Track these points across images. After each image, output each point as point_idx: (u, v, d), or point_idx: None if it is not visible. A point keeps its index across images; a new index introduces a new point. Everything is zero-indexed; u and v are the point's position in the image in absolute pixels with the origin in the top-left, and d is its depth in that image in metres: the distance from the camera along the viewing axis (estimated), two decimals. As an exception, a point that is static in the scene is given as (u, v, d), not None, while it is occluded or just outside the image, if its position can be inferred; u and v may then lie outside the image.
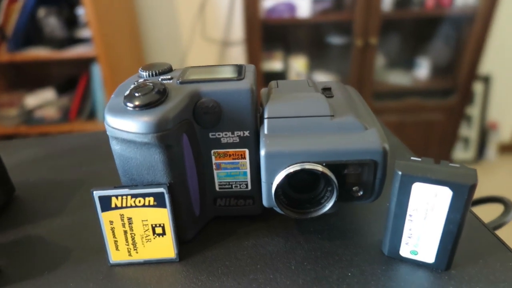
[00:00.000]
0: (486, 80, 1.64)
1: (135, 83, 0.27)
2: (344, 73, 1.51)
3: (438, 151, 1.60)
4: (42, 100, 1.51)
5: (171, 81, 0.27)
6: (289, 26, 1.56)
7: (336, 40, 1.55)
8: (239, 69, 0.28)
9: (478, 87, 1.64)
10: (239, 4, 1.53)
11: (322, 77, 1.54)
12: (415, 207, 0.23)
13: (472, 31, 1.39)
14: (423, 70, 1.52)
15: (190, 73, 0.28)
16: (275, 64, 1.51)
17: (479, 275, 0.24)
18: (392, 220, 0.25)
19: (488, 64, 1.59)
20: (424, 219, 0.23)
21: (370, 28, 1.37)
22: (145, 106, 0.24)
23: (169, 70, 0.29)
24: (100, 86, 1.45)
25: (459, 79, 1.48)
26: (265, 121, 0.26)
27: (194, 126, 0.26)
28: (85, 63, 1.42)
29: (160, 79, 0.27)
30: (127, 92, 0.25)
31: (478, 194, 0.29)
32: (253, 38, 1.42)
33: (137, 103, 0.24)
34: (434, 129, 1.56)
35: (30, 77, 1.61)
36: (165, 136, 0.24)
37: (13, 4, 1.33)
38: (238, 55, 1.63)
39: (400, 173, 0.23)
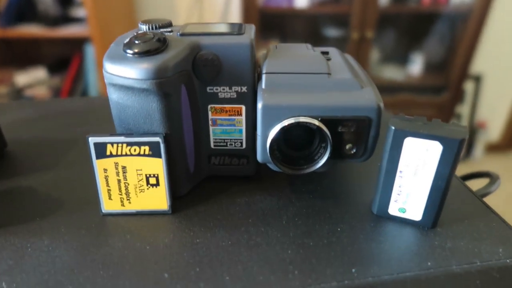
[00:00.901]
0: (477, 79, 1.66)
1: (135, 33, 0.27)
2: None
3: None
4: (33, 78, 1.49)
5: (171, 33, 0.27)
6: (287, 16, 1.56)
7: (332, 32, 1.55)
8: (239, 26, 0.28)
9: (469, 86, 1.66)
10: (237, -9, 1.52)
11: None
12: (406, 163, 0.24)
13: (466, 30, 1.41)
14: (416, 66, 1.54)
15: (190, 27, 0.28)
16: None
17: (464, 233, 0.25)
18: (383, 177, 0.25)
19: (480, 64, 1.61)
20: (414, 175, 0.24)
21: (366, 22, 1.38)
22: (145, 53, 0.24)
23: (169, 24, 0.29)
24: (93, 67, 1.43)
25: (451, 77, 1.50)
26: (263, 76, 0.26)
27: (193, 80, 0.26)
28: (78, 43, 1.41)
29: (160, 32, 0.27)
30: (127, 40, 0.25)
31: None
32: (250, 26, 1.42)
33: (136, 50, 0.24)
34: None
35: (22, 55, 1.59)
36: (163, 83, 0.24)
37: (6, -21, 1.31)
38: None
39: (393, 128, 0.23)
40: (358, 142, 0.26)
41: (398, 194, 0.25)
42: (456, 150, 0.22)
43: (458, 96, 1.54)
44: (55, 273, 0.23)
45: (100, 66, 1.37)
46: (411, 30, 1.57)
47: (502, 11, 1.50)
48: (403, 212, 0.26)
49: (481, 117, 1.78)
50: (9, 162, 0.35)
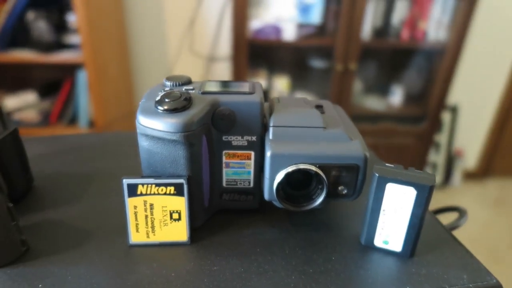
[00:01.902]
0: (454, 110, 1.76)
1: (162, 91, 0.32)
2: (324, 95, 1.59)
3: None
4: (23, 102, 1.51)
5: (193, 91, 0.32)
6: (274, 47, 1.64)
7: (317, 63, 1.64)
8: (251, 85, 0.33)
9: (446, 116, 1.76)
10: (227, 22, 1.60)
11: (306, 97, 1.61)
12: (388, 203, 0.29)
13: (442, 64, 1.51)
14: (397, 97, 1.63)
15: (208, 85, 0.33)
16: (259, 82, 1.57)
17: (435, 261, 0.30)
18: (369, 214, 0.30)
19: (456, 95, 1.72)
20: (394, 213, 0.29)
21: (350, 54, 1.47)
22: (174, 110, 0.29)
23: (189, 81, 0.34)
24: (84, 92, 1.46)
25: (429, 108, 1.59)
26: (271, 128, 0.31)
27: (211, 130, 0.32)
28: (69, 68, 1.44)
29: (183, 89, 0.32)
30: (158, 98, 0.30)
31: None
32: (240, 56, 1.49)
33: (167, 107, 0.29)
34: (405, 153, 1.67)
35: (12, 78, 1.61)
36: (190, 135, 0.29)
37: (1, 5, 1.34)
38: (223, 71, 1.70)
39: (377, 175, 0.29)
40: (349, 185, 0.31)
41: (382, 229, 0.31)
42: (427, 194, 0.28)
43: (436, 125, 1.64)
44: (95, 297, 0.27)
45: (92, 91, 1.41)
46: (391, 63, 1.68)
47: (475, 47, 1.62)
48: (386, 243, 0.31)
49: (459, 145, 1.87)
50: (37, 196, 0.39)
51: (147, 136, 0.30)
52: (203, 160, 0.32)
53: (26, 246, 0.31)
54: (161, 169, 0.31)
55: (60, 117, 1.54)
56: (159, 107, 0.30)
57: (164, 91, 0.32)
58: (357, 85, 1.65)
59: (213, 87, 0.33)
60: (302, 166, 0.30)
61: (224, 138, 0.32)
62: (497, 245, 1.50)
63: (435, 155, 1.83)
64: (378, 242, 0.31)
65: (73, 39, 1.40)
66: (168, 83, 0.33)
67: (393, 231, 0.30)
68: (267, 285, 0.28)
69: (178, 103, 0.30)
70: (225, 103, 0.31)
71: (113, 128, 1.54)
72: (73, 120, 1.54)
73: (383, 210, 0.30)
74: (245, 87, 0.33)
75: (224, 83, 0.34)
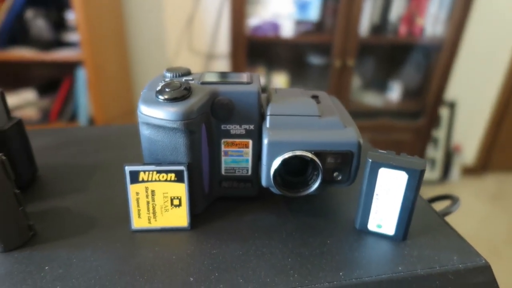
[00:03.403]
0: (452, 105, 1.78)
1: (163, 81, 0.33)
2: (323, 91, 1.60)
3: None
4: (22, 100, 1.52)
5: (193, 81, 0.33)
6: (273, 44, 1.65)
7: (315, 60, 1.65)
8: (248, 75, 0.35)
9: (444, 112, 1.78)
10: (226, 20, 1.61)
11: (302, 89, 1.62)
12: (381, 188, 0.30)
13: (440, 59, 1.52)
14: (395, 93, 1.64)
15: (207, 76, 0.34)
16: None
17: (427, 244, 0.32)
18: (363, 199, 0.32)
19: (454, 91, 1.73)
20: (387, 197, 0.31)
21: (348, 51, 1.48)
22: (175, 99, 0.30)
23: (189, 73, 0.35)
24: (84, 89, 1.47)
25: (427, 103, 1.60)
26: (268, 117, 0.32)
27: (210, 119, 0.33)
28: (68, 66, 1.45)
29: (183, 80, 0.33)
30: (159, 88, 0.31)
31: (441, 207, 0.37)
32: (238, 53, 1.50)
33: (167, 96, 0.31)
34: (403, 148, 1.68)
35: (12, 76, 1.62)
36: (190, 123, 0.30)
37: (0, 3, 1.35)
38: (222, 68, 1.71)
39: (370, 160, 0.30)
40: (343, 171, 0.32)
41: (376, 213, 0.32)
42: (417, 178, 0.29)
43: (434, 121, 1.65)
44: (100, 279, 0.28)
45: (91, 88, 1.42)
46: (389, 59, 1.69)
47: (472, 42, 1.63)
48: (380, 227, 0.32)
49: (457, 141, 1.89)
50: (41, 185, 0.40)
51: (148, 124, 0.31)
52: (203, 148, 0.33)
53: (33, 231, 0.32)
54: (162, 156, 0.32)
55: (60, 115, 1.55)
56: (160, 97, 0.31)
57: (165, 81, 0.33)
58: (355, 81, 1.66)
59: (212, 78, 0.34)
60: (298, 152, 0.31)
61: (222, 127, 0.33)
62: (495, 240, 1.52)
63: (433, 150, 1.84)
64: (371, 226, 0.32)
65: (72, 37, 1.40)
66: (168, 74, 0.34)
67: (386, 215, 0.31)
68: (265, 267, 0.29)
69: (178, 93, 0.31)
70: (223, 92, 0.32)
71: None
72: (72, 118, 1.55)
73: (376, 195, 0.31)
74: (243, 77, 0.34)
75: (223, 74, 0.35)
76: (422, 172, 0.29)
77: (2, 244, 0.30)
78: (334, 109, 0.35)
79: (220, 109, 0.32)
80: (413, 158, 0.30)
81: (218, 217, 0.35)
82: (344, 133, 0.32)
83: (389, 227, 0.32)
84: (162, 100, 0.31)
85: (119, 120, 1.61)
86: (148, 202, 0.32)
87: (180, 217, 0.33)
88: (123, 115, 1.67)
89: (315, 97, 0.37)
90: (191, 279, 0.28)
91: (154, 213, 0.33)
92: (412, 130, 1.65)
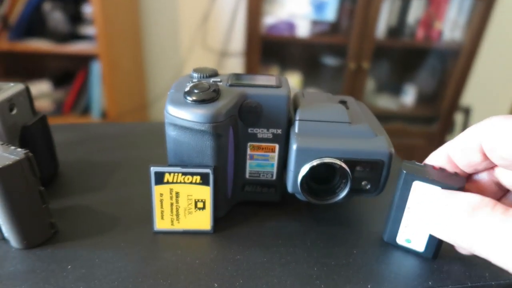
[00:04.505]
0: (467, 111, 1.75)
1: (190, 82, 0.32)
2: (336, 93, 1.58)
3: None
4: (37, 91, 1.53)
5: (221, 83, 0.33)
6: (287, 44, 1.65)
7: (330, 61, 1.64)
8: (277, 79, 0.34)
9: (458, 117, 1.75)
10: (241, 18, 1.60)
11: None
12: (413, 201, 0.29)
13: (456, 65, 1.50)
14: (409, 97, 1.62)
15: (236, 78, 0.34)
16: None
17: (458, 260, 0.31)
18: (394, 211, 0.31)
19: (469, 96, 1.70)
20: (419, 212, 0.30)
21: (363, 53, 1.46)
22: (203, 101, 0.30)
23: (216, 74, 0.34)
24: (98, 83, 1.48)
25: (442, 109, 1.58)
26: (297, 122, 0.32)
27: (238, 122, 0.32)
28: (84, 59, 1.46)
29: (211, 81, 0.33)
30: (187, 89, 0.31)
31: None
32: (252, 52, 1.49)
33: (196, 98, 0.30)
34: (415, 153, 1.66)
35: (28, 68, 1.63)
36: (217, 126, 0.30)
37: (19, -5, 1.36)
38: (236, 66, 1.70)
39: (404, 172, 0.29)
40: (372, 180, 0.31)
41: (406, 226, 0.31)
42: None
43: (448, 126, 1.63)
44: (123, 281, 0.28)
45: (105, 82, 1.42)
46: (405, 62, 1.67)
47: (491, 48, 1.60)
48: (409, 242, 0.31)
49: (469, 147, 1.86)
50: (62, 182, 0.40)
51: (175, 125, 0.31)
52: (229, 151, 0.32)
53: (55, 229, 0.31)
54: (187, 158, 0.32)
55: (73, 107, 1.56)
56: (188, 98, 0.30)
57: (192, 82, 0.32)
58: (370, 84, 1.64)
59: (240, 80, 0.33)
60: (327, 160, 0.30)
61: (249, 130, 0.33)
62: None
63: (445, 156, 1.81)
64: (400, 240, 0.32)
65: (88, 30, 1.41)
66: (195, 75, 0.34)
67: (417, 230, 0.30)
68: (290, 276, 0.29)
69: (207, 95, 0.30)
70: (252, 95, 0.32)
71: (125, 119, 1.55)
72: (85, 111, 1.56)
73: (408, 208, 0.30)
74: (272, 80, 0.33)
75: (252, 77, 0.35)
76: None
77: (25, 241, 0.29)
78: (363, 116, 0.34)
79: (248, 113, 0.32)
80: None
81: (239, 222, 0.35)
82: (375, 142, 0.31)
83: (419, 243, 0.31)
84: (190, 102, 0.30)
85: (131, 114, 1.61)
86: (171, 204, 0.32)
87: (203, 220, 0.32)
88: (136, 110, 1.67)
89: (343, 102, 0.36)
90: (215, 285, 0.28)
91: (177, 215, 0.32)
92: (425, 136, 1.64)
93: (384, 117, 1.61)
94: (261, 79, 0.34)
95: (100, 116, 1.53)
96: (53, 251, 0.30)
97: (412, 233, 0.31)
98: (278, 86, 0.32)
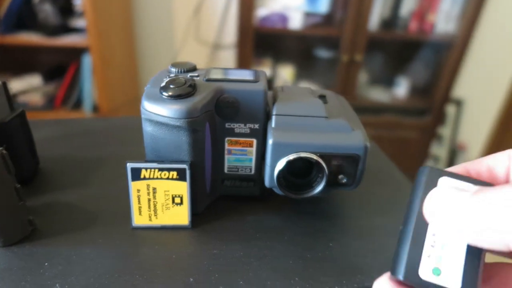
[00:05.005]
0: (459, 103, 1.75)
1: (167, 77, 0.32)
2: (329, 85, 1.59)
3: (410, 167, 1.70)
4: (28, 85, 1.51)
5: (198, 78, 0.32)
6: (280, 36, 1.64)
7: (323, 53, 1.63)
8: (255, 73, 0.34)
9: (450, 109, 1.76)
10: (234, 10, 1.59)
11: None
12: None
13: (449, 57, 1.50)
14: (402, 89, 1.62)
15: (213, 73, 0.34)
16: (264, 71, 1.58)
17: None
18: (412, 229, 0.20)
19: (461, 88, 1.70)
20: (448, 233, 0.20)
21: (356, 45, 1.46)
22: (179, 96, 0.30)
23: (194, 69, 0.34)
24: (89, 76, 1.47)
25: (434, 101, 1.58)
26: (274, 117, 0.32)
27: (215, 117, 0.32)
28: (75, 52, 1.44)
29: (188, 76, 0.33)
30: (163, 84, 0.31)
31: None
32: (245, 44, 1.48)
33: (171, 93, 0.30)
34: (407, 145, 1.67)
35: (18, 61, 1.61)
36: (193, 122, 0.30)
37: (8, -13, 1.34)
38: (228, 58, 1.69)
39: (428, 167, 0.22)
40: (348, 174, 0.32)
41: (432, 246, 0.20)
42: None
43: (440, 118, 1.63)
44: (99, 277, 0.28)
45: (97, 75, 1.41)
46: (398, 55, 1.66)
47: (483, 41, 1.60)
48: (438, 274, 0.19)
49: (462, 139, 1.87)
50: (43, 178, 0.39)
51: (151, 121, 0.31)
52: (206, 146, 0.32)
53: (33, 226, 0.32)
54: (164, 154, 0.32)
55: (65, 101, 1.55)
56: (164, 93, 0.30)
57: (169, 77, 0.32)
58: (362, 76, 1.64)
59: (217, 75, 0.33)
60: (303, 154, 0.30)
61: (227, 125, 0.33)
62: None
63: (437, 148, 1.82)
64: (425, 273, 0.19)
65: (79, 22, 1.39)
66: (173, 70, 0.34)
67: (448, 251, 0.19)
68: (266, 269, 0.29)
69: (183, 90, 0.30)
70: (229, 90, 0.32)
71: (117, 114, 1.54)
72: (77, 105, 1.54)
73: (433, 235, 0.20)
74: (249, 75, 0.33)
75: (229, 71, 0.34)
76: None
77: (2, 238, 0.30)
78: (341, 110, 0.34)
79: (224, 108, 0.32)
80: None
81: (219, 217, 0.35)
82: (351, 136, 0.31)
83: (452, 274, 0.19)
84: (166, 97, 0.30)
85: (123, 108, 1.60)
86: (149, 200, 0.32)
87: (181, 216, 0.33)
88: (128, 103, 1.66)
89: (322, 96, 0.36)
90: (191, 279, 0.28)
91: (155, 210, 0.32)
92: (418, 128, 1.64)
93: (377, 109, 1.62)
94: (238, 74, 0.34)
95: (92, 110, 1.52)
96: (31, 248, 0.30)
97: (441, 257, 0.19)
98: (255, 81, 0.32)
